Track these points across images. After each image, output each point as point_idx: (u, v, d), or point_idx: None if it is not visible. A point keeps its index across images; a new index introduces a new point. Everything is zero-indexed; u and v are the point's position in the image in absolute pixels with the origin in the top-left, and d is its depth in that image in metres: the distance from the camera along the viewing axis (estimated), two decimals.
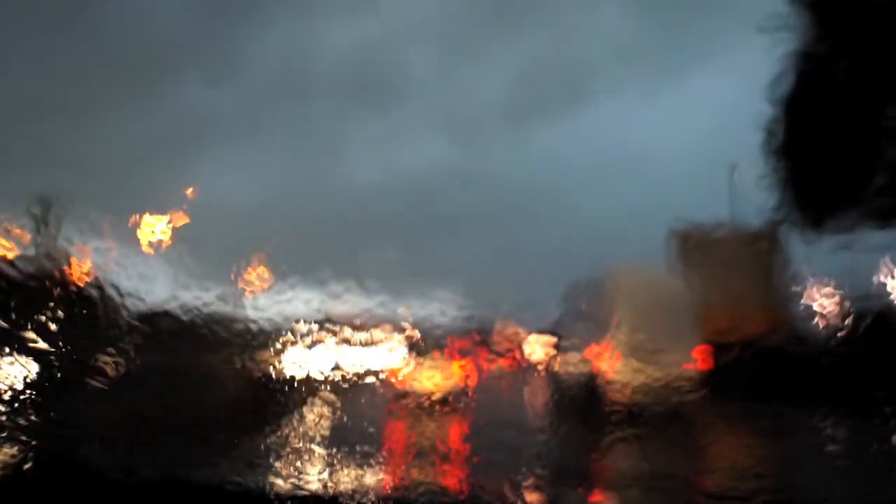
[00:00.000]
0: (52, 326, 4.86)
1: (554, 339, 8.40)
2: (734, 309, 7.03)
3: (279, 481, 3.67)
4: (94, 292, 5.20)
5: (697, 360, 6.79)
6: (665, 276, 7.30)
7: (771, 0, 6.87)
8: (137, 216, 6.58)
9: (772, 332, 6.68)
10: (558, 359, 8.65)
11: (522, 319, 8.46)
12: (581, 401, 7.58)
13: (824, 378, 5.81)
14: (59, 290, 5.02)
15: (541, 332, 8.29)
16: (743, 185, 7.83)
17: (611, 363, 7.06)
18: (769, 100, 7.01)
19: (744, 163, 7.85)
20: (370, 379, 6.69)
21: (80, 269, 5.17)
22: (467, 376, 8.18)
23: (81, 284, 4.98)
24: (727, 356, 6.65)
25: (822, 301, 6.54)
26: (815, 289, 6.70)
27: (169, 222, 6.51)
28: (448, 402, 7.35)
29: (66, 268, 5.11)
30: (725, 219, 7.75)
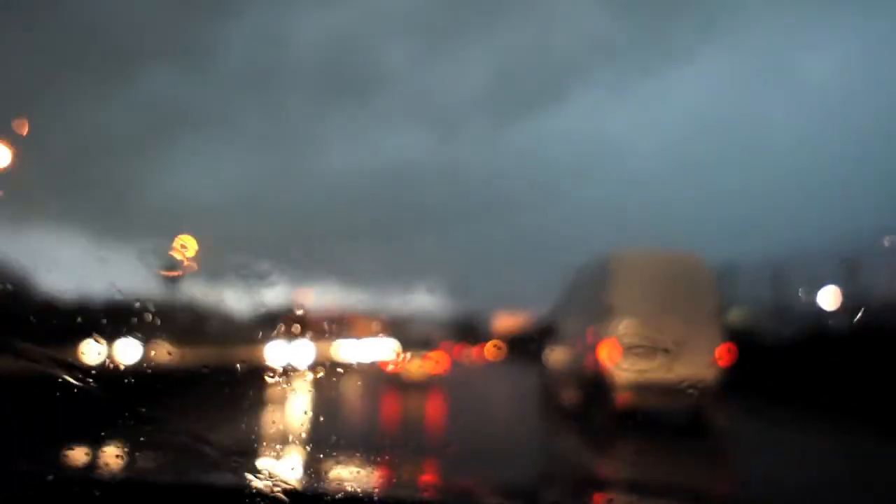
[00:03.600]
0: None
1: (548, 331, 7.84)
2: None
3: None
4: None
5: (720, 357, 5.85)
6: (682, 260, 6.31)
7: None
8: None
9: None
10: (552, 352, 7.84)
11: (515, 310, 8.05)
12: (578, 400, 6.71)
13: None
14: None
15: (539, 323, 7.53)
16: None
17: (613, 358, 6.11)
18: None
19: None
20: (361, 369, 6.59)
21: None
22: (450, 366, 7.99)
23: None
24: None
25: None
26: None
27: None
28: (433, 391, 7.25)
29: None
30: None
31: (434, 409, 7.15)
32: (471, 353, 9.02)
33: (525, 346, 7.53)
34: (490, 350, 8.59)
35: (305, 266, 6.45)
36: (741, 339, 5.88)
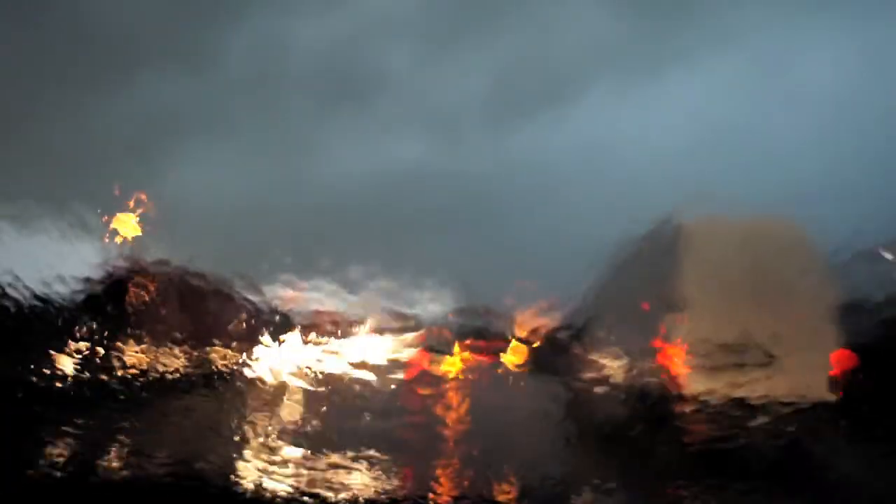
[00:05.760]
0: None
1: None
2: None
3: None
4: None
5: (834, 367, 4.25)
6: (779, 230, 4.67)
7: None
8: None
9: None
10: (589, 358, 6.45)
11: (539, 308, 7.29)
12: (629, 424, 5.19)
13: None
14: None
15: (571, 320, 6.21)
16: None
17: (681, 368, 4.57)
18: None
19: None
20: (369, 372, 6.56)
21: None
22: (467, 371, 7.33)
23: None
24: None
25: None
26: None
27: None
28: (448, 397, 6.97)
29: None
30: None
31: (449, 417, 6.90)
32: (490, 357, 8.26)
33: (553, 349, 6.27)
34: (511, 353, 7.70)
35: (308, 268, 6.52)
36: (864, 341, 4.27)
